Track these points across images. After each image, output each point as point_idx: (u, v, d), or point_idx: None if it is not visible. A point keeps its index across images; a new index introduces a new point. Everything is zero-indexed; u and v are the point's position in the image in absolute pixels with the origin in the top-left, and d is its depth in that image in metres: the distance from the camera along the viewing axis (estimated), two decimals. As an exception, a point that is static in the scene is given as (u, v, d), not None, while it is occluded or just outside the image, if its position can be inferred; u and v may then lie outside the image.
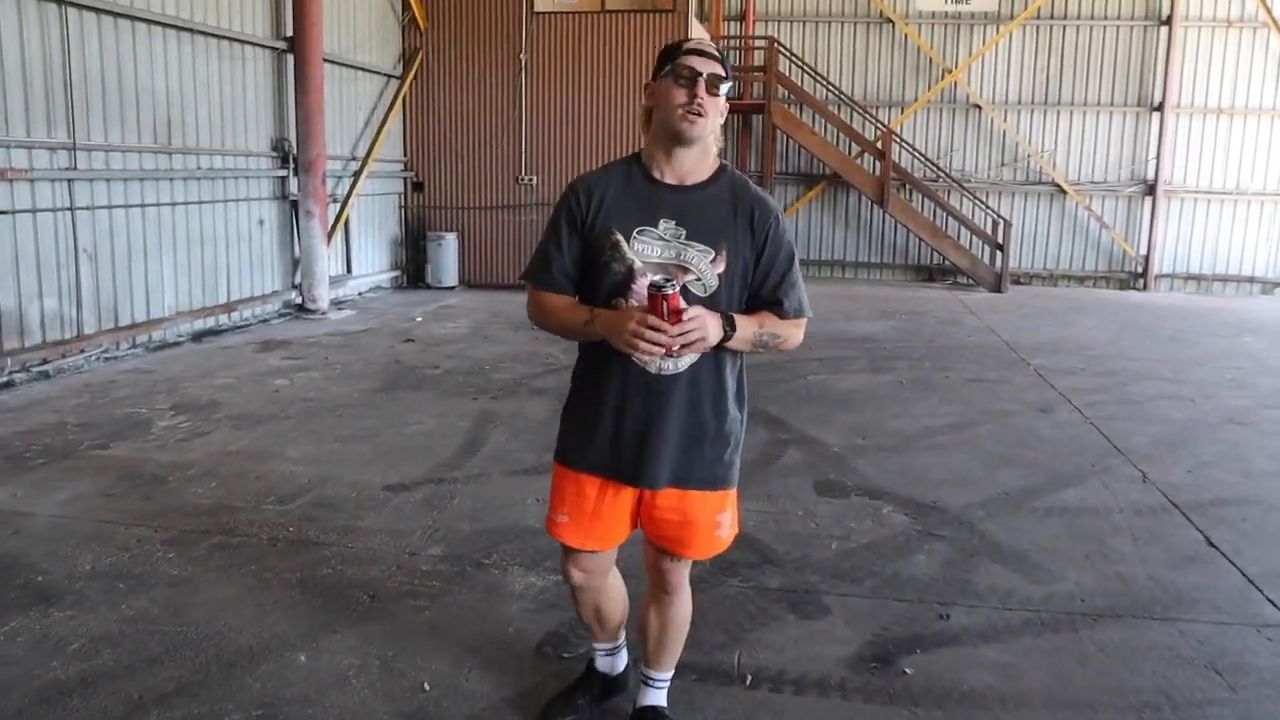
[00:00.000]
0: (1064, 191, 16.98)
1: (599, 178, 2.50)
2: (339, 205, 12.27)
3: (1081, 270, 17.29)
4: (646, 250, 2.39)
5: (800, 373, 8.74)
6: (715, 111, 2.37)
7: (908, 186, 16.69)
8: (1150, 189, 16.76)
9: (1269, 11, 15.91)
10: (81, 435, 6.26)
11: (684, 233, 2.40)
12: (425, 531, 4.69)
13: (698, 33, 14.44)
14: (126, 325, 8.87)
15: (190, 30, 9.47)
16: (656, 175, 2.45)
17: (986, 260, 16.40)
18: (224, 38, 10.01)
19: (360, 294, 13.08)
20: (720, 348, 2.41)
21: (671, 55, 2.38)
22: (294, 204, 11.18)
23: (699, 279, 2.40)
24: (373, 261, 13.60)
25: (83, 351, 8.34)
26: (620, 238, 2.40)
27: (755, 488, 5.45)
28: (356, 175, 12.68)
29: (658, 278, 2.24)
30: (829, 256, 17.70)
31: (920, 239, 16.56)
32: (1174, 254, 16.99)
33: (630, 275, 2.39)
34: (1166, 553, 4.63)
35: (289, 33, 10.84)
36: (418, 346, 9.59)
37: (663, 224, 2.40)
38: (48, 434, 6.28)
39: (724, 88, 2.38)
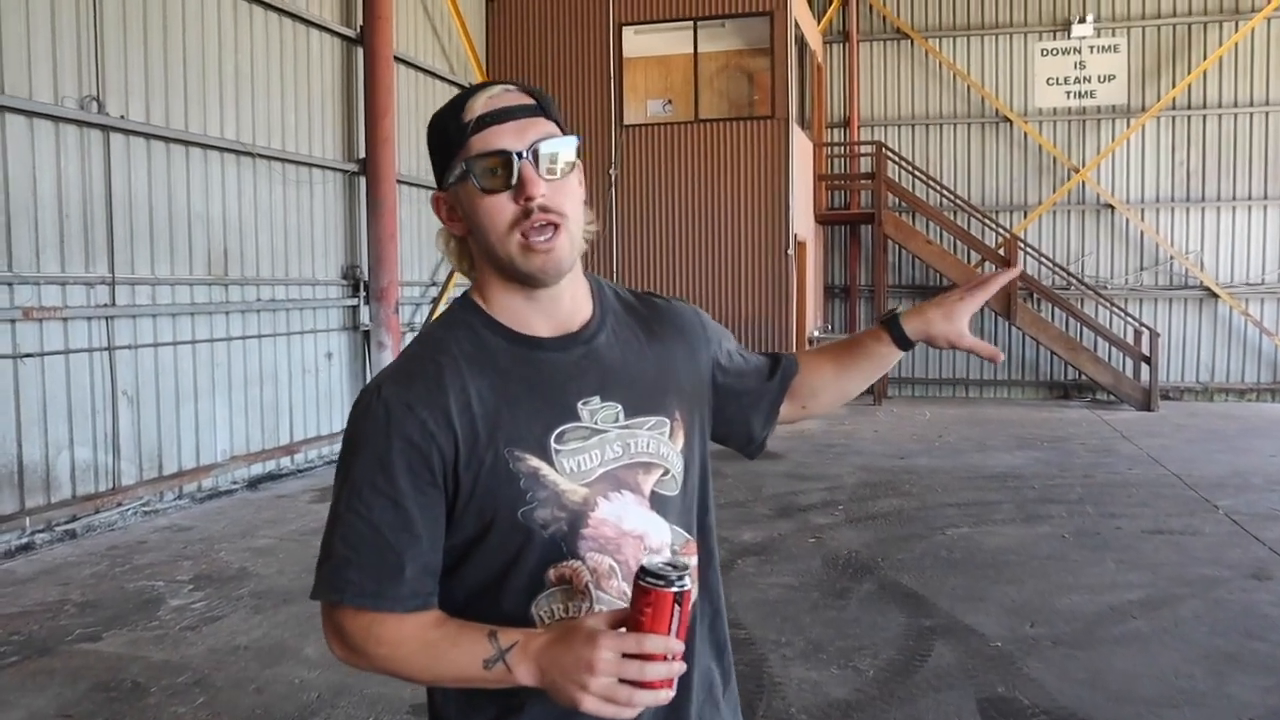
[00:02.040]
0: (1215, 295, 15.23)
1: (430, 366, 1.32)
2: (416, 335, 11.43)
3: (1241, 382, 15.37)
4: (583, 464, 1.32)
5: (935, 524, 7.31)
6: (575, 201, 1.33)
7: (1036, 296, 15.22)
8: (1316, 289, 14.92)
9: None
10: (77, 619, 5.26)
11: (618, 409, 1.37)
12: (448, 790, 3.43)
13: (799, 140, 13.47)
14: (171, 474, 7.99)
15: (251, 155, 8.84)
16: (525, 331, 1.37)
17: (1130, 374, 14.71)
18: (289, 161, 9.38)
19: (440, 428, 12.13)
20: (704, 532, 1.49)
21: (451, 139, 1.31)
22: (366, 335, 10.37)
23: (668, 472, 1.40)
24: (454, 392, 12.66)
25: (119, 505, 7.46)
26: (536, 461, 1.30)
27: (899, 710, 4.07)
28: (436, 301, 11.87)
29: (655, 560, 1.17)
30: (950, 375, 16.20)
31: (1053, 353, 14.97)
32: (1351, 362, 14.99)
33: (576, 520, 1.32)
34: None
35: (361, 154, 10.19)
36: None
37: (584, 409, 1.35)
38: (39, 617, 5.31)
39: (564, 151, 1.31)
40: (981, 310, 13.44)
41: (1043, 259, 15.28)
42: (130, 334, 7.58)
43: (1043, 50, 15.64)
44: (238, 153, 8.69)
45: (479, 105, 1.30)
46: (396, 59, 10.45)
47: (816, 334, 14.77)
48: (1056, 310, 15.19)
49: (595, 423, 1.35)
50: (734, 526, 7.10)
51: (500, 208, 1.29)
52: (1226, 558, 6.37)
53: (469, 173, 1.29)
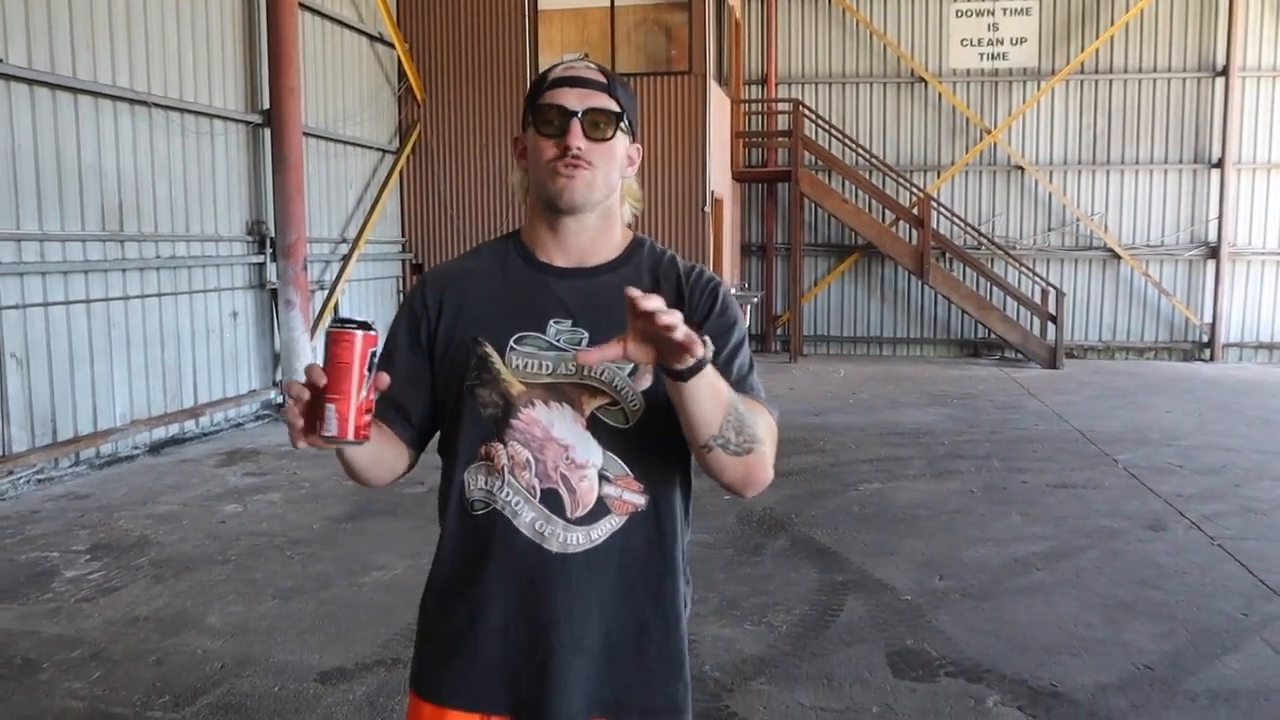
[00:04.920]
0: (1118, 257, 15.68)
1: (457, 266, 1.75)
2: (327, 292, 11.14)
3: (1140, 341, 15.90)
4: (531, 366, 1.60)
5: (848, 480, 7.41)
6: (609, 162, 1.63)
7: (948, 256, 15.48)
8: (1213, 251, 15.44)
9: (1333, 58, 14.73)
10: (-37, 593, 5.03)
11: (584, 336, 1.61)
12: (357, 759, 3.37)
13: (716, 97, 13.41)
14: (67, 440, 7.67)
15: (147, 104, 8.44)
16: (542, 258, 1.68)
17: (1037, 333, 15.09)
18: (189, 111, 8.99)
19: (352, 388, 11.87)
20: (658, 482, 1.64)
21: (537, 92, 1.65)
22: (273, 292, 10.05)
23: (615, 403, 1.59)
24: (366, 352, 12.39)
25: (10, 474, 7.13)
26: (491, 350, 1.61)
27: (811, 664, 4.11)
28: (346, 259, 11.56)
29: (355, 317, 1.41)
30: (864, 333, 16.42)
31: (964, 312, 15.27)
32: (1242, 321, 15.60)
33: (509, 409, 1.60)
34: None
35: (266, 105, 9.83)
36: (404, 454, 8.33)
37: (553, 326, 1.62)
38: (-76, 591, 5.05)
39: (606, 121, 1.62)
40: (896, 269, 13.59)
41: (955, 219, 15.52)
42: (18, 293, 7.20)
43: (957, 11, 15.78)
44: (132, 102, 8.28)
45: (559, 71, 1.65)
46: (301, 5, 10.07)
47: (733, 291, 14.77)
48: (967, 269, 15.47)
49: (558, 341, 1.60)
50: (650, 486, 7.09)
51: (547, 147, 1.61)
52: (1124, 510, 6.59)
53: (536, 117, 1.62)
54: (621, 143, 1.65)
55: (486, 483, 1.61)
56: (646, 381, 1.58)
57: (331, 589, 5.08)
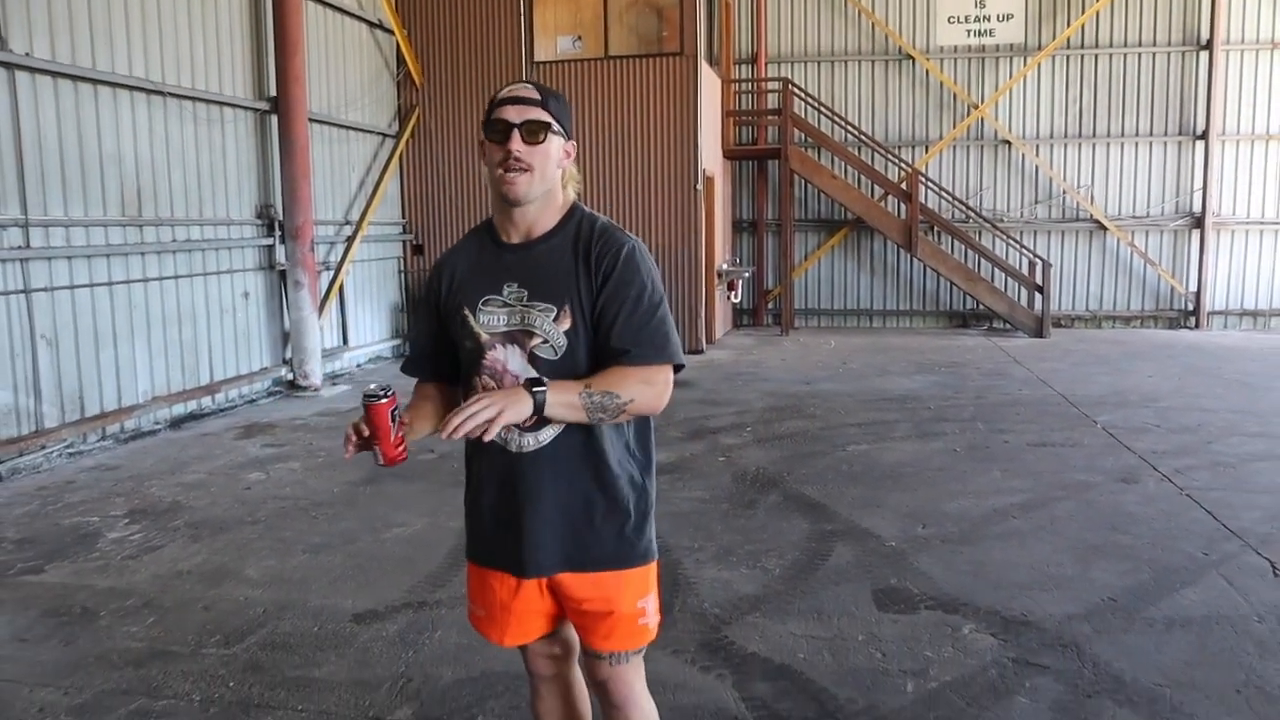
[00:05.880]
0: (1104, 228, 16.04)
1: (453, 251, 2.37)
2: (332, 273, 11.48)
3: (1127, 310, 16.29)
4: (492, 321, 2.21)
5: (837, 442, 7.80)
6: (544, 161, 2.15)
7: (936, 229, 15.83)
8: (1197, 222, 15.80)
9: (1312, 30, 15.05)
10: (15, 555, 5.39)
11: (525, 294, 2.19)
12: (395, 682, 3.75)
13: (707, 77, 13.73)
14: (94, 416, 8.03)
15: (161, 93, 8.76)
16: (504, 237, 2.27)
17: (1025, 303, 15.46)
18: (200, 100, 9.30)
19: (359, 366, 12.25)
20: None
21: (490, 108, 2.19)
22: (282, 274, 10.40)
23: (546, 341, 2.17)
24: (371, 331, 12.77)
25: (43, 448, 7.50)
26: (468, 312, 2.24)
27: (802, 601, 4.50)
28: (350, 240, 11.90)
29: (372, 386, 2.13)
30: (854, 305, 16.79)
31: (952, 284, 15.64)
32: (1226, 289, 16.00)
33: (479, 350, 2.23)
34: (1335, 682, 3.64)
35: (272, 92, 10.13)
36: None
37: (506, 289, 2.21)
38: (-24, 554, 5.42)
39: (539, 129, 2.13)
40: (885, 243, 13.93)
41: (943, 193, 15.86)
42: (46, 276, 7.55)
43: (943, -11, 16.08)
44: (148, 91, 8.60)
45: (505, 92, 2.16)
46: (305, -5, 10.37)
47: (725, 267, 15.16)
48: (955, 242, 15.83)
49: (509, 300, 2.19)
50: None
51: (495, 151, 2.14)
52: (1100, 465, 6.98)
53: (487, 129, 2.14)
54: (555, 143, 2.16)
55: None
56: (566, 324, 2.16)
57: (357, 543, 5.47)
